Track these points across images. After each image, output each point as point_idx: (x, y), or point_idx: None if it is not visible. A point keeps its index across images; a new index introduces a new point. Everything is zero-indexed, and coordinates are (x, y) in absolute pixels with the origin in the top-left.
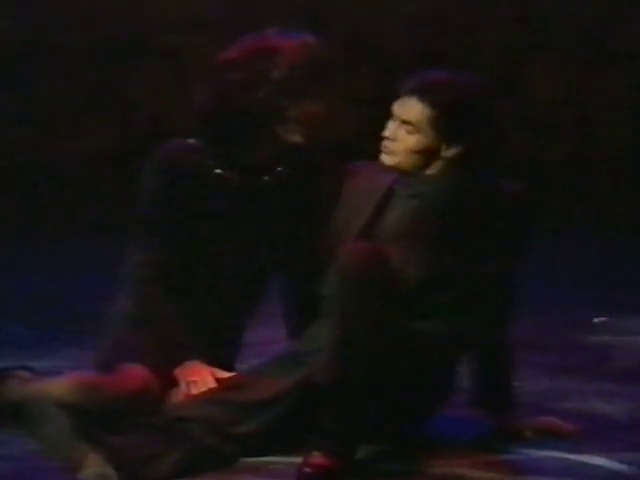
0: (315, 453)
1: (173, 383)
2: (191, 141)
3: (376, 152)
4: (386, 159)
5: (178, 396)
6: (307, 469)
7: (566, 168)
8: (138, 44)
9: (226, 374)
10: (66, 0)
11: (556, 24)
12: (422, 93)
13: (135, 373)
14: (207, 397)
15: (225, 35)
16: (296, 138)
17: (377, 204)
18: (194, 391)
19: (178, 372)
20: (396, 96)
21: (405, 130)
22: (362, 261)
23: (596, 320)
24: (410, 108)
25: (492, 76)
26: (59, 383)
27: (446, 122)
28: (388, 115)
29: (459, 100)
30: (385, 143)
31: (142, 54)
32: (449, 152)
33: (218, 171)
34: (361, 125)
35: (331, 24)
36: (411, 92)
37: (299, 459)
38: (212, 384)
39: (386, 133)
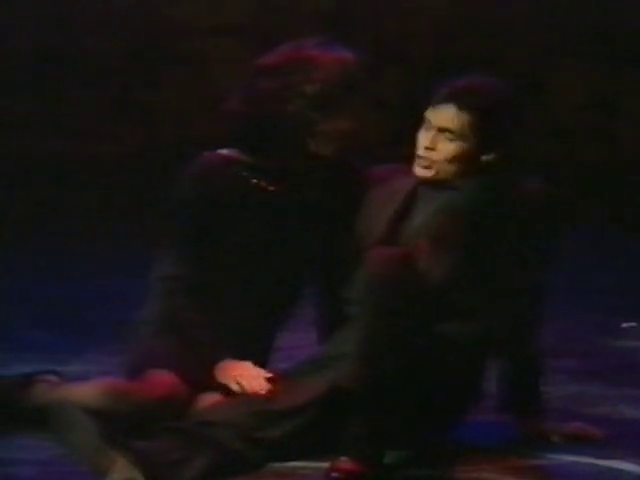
0: (343, 458)
1: (201, 388)
2: (224, 152)
3: (400, 156)
4: (423, 172)
5: (235, 392)
6: (335, 474)
7: (594, 172)
8: (164, 50)
9: (266, 373)
10: (93, 7)
11: (584, 28)
12: (460, 99)
13: (162, 379)
14: (235, 402)
15: (251, 41)
16: (325, 151)
17: (400, 205)
18: (235, 390)
19: (220, 370)
20: (422, 101)
21: (444, 138)
22: (390, 269)
23: (625, 325)
24: (448, 115)
25: (519, 80)
26: (87, 388)
27: (485, 127)
28: (413, 119)
29: (497, 104)
30: (423, 154)
31: (168, 60)
32: (487, 157)
33: (254, 181)
34: (387, 129)
35: (357, 28)
36: (447, 99)
37: (327, 464)
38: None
39: (424, 143)
